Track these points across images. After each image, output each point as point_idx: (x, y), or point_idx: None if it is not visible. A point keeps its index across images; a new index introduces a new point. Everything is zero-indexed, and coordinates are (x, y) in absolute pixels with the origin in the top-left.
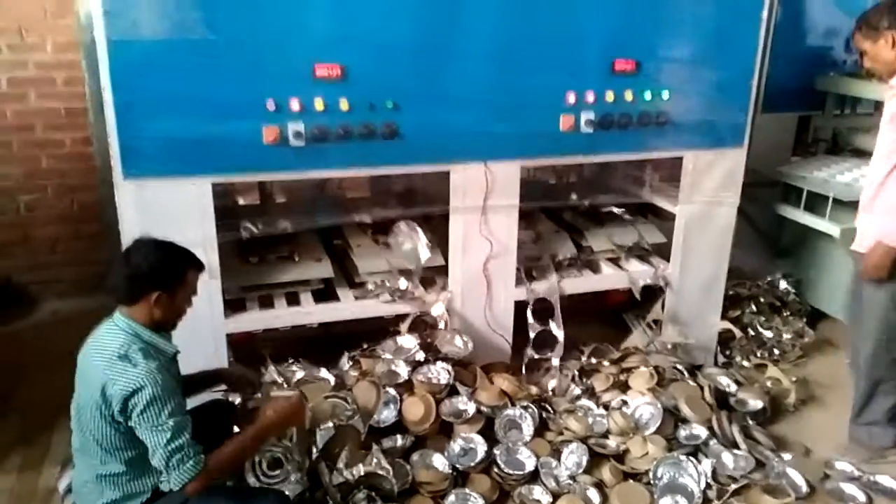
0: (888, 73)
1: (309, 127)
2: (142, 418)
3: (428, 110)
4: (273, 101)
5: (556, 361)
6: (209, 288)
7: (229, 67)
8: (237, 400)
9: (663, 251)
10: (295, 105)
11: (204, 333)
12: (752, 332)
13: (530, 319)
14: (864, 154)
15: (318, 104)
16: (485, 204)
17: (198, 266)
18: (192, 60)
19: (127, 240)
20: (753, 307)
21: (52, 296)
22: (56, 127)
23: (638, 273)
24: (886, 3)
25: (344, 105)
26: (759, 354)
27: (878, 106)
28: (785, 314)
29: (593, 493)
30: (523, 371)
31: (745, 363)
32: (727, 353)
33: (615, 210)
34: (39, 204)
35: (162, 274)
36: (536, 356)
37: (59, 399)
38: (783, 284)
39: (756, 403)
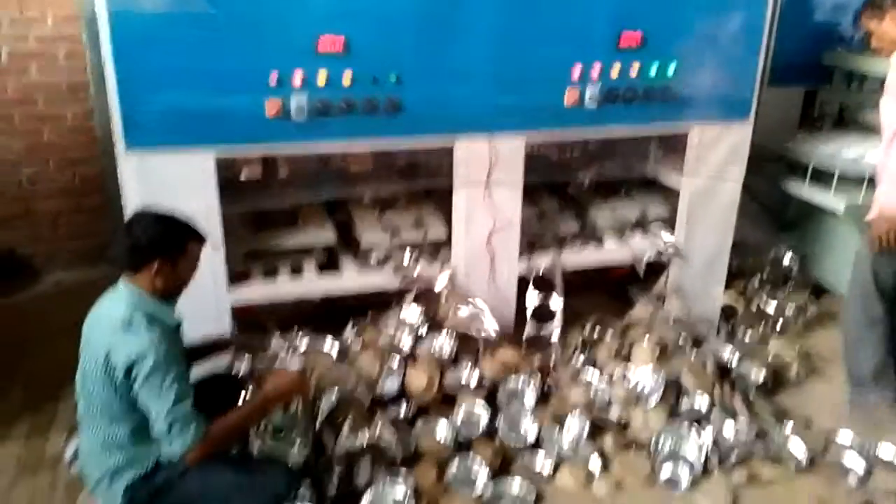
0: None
1: (311, 100)
2: (144, 386)
3: (431, 84)
4: (276, 75)
5: (556, 334)
6: (212, 259)
7: (232, 40)
8: (242, 370)
9: (668, 226)
10: (297, 79)
11: (208, 304)
12: (755, 306)
13: (531, 292)
14: (870, 129)
15: (321, 78)
16: (488, 178)
17: (199, 237)
18: (194, 33)
19: (130, 212)
20: (757, 281)
21: (54, 268)
22: (57, 101)
23: (641, 248)
24: None
25: (346, 79)
26: (761, 328)
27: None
28: (788, 288)
29: (595, 462)
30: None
31: (748, 336)
32: (730, 326)
33: (616, 184)
34: (41, 177)
35: (163, 244)
36: (537, 329)
37: (63, 368)
38: (787, 259)
39: (758, 375)
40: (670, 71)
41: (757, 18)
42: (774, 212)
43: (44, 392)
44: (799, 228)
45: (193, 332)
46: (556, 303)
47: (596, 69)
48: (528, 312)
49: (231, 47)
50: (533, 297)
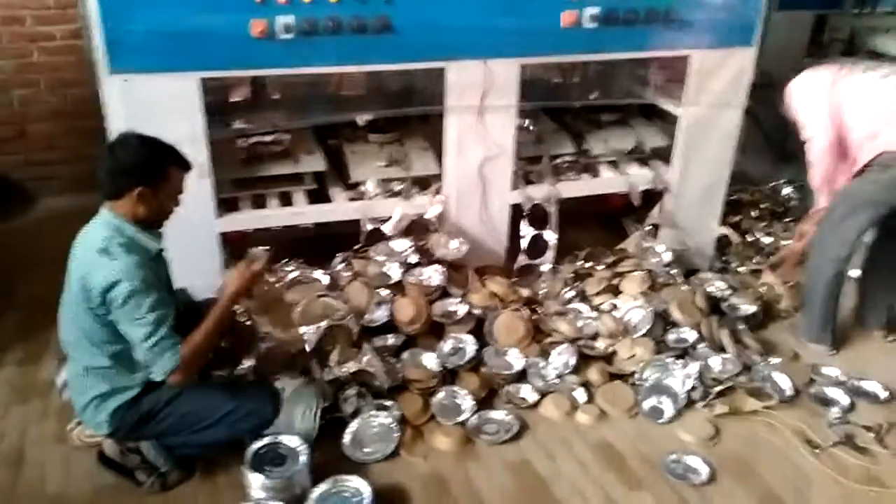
0: None
1: (298, 20)
2: (121, 312)
3: (422, 3)
4: None
5: (547, 266)
6: (200, 186)
7: None
8: None
9: (667, 155)
10: None
11: (196, 232)
12: (750, 238)
13: (524, 224)
14: (881, 56)
15: None
16: (482, 104)
17: (181, 164)
18: None
19: (114, 136)
20: (754, 213)
21: (49, 193)
22: (46, 19)
23: (637, 177)
24: None
25: None
26: (755, 260)
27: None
28: (786, 220)
29: (579, 393)
30: (515, 274)
31: (742, 269)
32: (724, 258)
33: (615, 112)
34: (33, 99)
35: (143, 170)
36: (529, 260)
37: (57, 294)
38: (786, 190)
39: (748, 308)
40: None
41: None
42: (777, 142)
43: (37, 318)
44: (799, 159)
45: (183, 258)
46: (550, 234)
47: None
48: (523, 243)
49: None
50: (527, 228)
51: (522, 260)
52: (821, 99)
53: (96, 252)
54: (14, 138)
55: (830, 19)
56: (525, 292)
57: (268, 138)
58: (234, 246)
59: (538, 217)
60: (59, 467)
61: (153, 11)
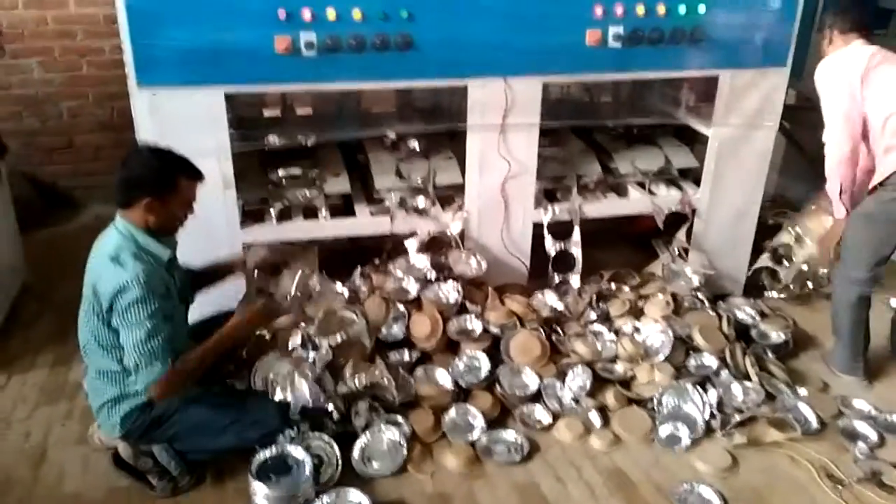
0: None
1: (321, 37)
2: (123, 317)
3: (444, 21)
4: (284, 10)
5: (575, 283)
6: (225, 197)
7: None
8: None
9: (698, 176)
10: (307, 14)
11: (220, 242)
12: (788, 263)
13: (548, 240)
14: None
15: (331, 13)
16: (504, 122)
17: (192, 174)
18: None
19: None
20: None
21: (95, 201)
22: (96, 34)
23: (664, 198)
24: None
25: (357, 14)
26: (792, 286)
27: None
28: None
29: (595, 416)
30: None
31: (775, 295)
32: (759, 283)
33: (645, 131)
34: (81, 111)
35: (153, 180)
36: (557, 275)
37: None
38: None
39: (778, 336)
40: (700, 11)
41: None
42: (818, 165)
43: (72, 322)
44: None
45: None
46: (575, 251)
47: (620, 7)
48: (550, 261)
49: None
50: (552, 245)
51: (551, 275)
52: (847, 94)
53: (108, 259)
54: (63, 148)
55: (876, 41)
56: (545, 312)
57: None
58: None
59: (564, 235)
60: (78, 467)
61: (180, 28)
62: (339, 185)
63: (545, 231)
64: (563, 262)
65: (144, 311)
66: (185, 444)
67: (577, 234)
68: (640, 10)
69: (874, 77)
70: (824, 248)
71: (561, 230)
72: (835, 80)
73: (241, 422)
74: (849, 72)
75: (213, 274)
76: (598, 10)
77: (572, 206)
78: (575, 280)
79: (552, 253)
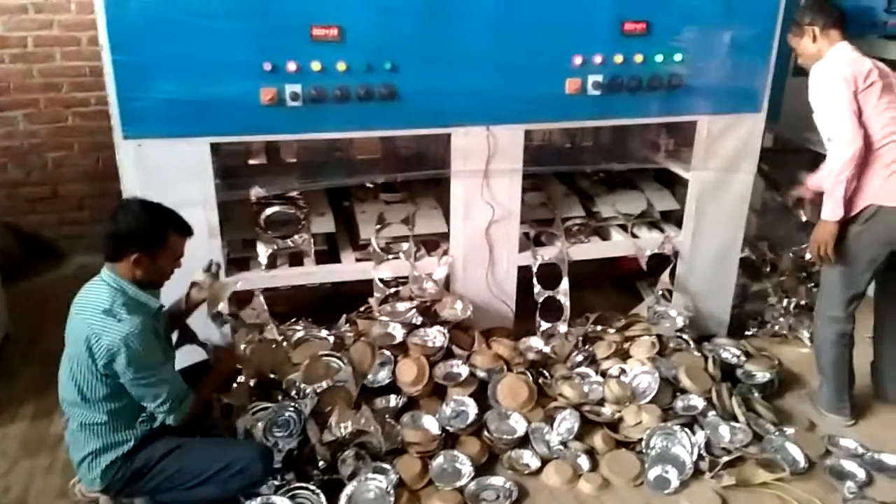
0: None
1: (306, 88)
2: (132, 375)
3: (428, 72)
4: (269, 63)
5: (563, 328)
6: (210, 246)
7: (226, 28)
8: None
9: (679, 218)
10: (292, 66)
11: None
12: (771, 303)
13: (537, 288)
14: None
15: (315, 65)
16: (487, 168)
17: (181, 230)
18: (188, 21)
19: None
20: (776, 278)
21: (79, 251)
22: (81, 86)
23: (647, 241)
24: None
25: (341, 66)
26: (776, 327)
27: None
28: (809, 285)
29: (583, 460)
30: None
31: (760, 335)
32: (743, 323)
33: (626, 175)
34: (66, 161)
35: (142, 236)
36: (543, 322)
37: None
38: (808, 255)
39: (763, 376)
40: (676, 59)
41: (770, 6)
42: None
43: (54, 373)
44: None
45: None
46: (564, 300)
47: (598, 57)
48: (538, 308)
49: (226, 35)
50: (539, 290)
51: (539, 322)
52: (852, 94)
53: (102, 313)
54: (47, 198)
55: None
56: (531, 355)
57: (279, 200)
58: (244, 303)
59: (551, 279)
60: None
61: (166, 81)
62: (324, 225)
63: (534, 278)
64: (550, 307)
65: (153, 365)
66: (167, 496)
67: (565, 283)
68: (619, 58)
69: (865, 98)
70: (819, 248)
71: (545, 273)
72: (838, 80)
73: (225, 471)
74: (852, 77)
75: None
76: (578, 60)
77: (560, 252)
78: (563, 327)
79: (540, 300)
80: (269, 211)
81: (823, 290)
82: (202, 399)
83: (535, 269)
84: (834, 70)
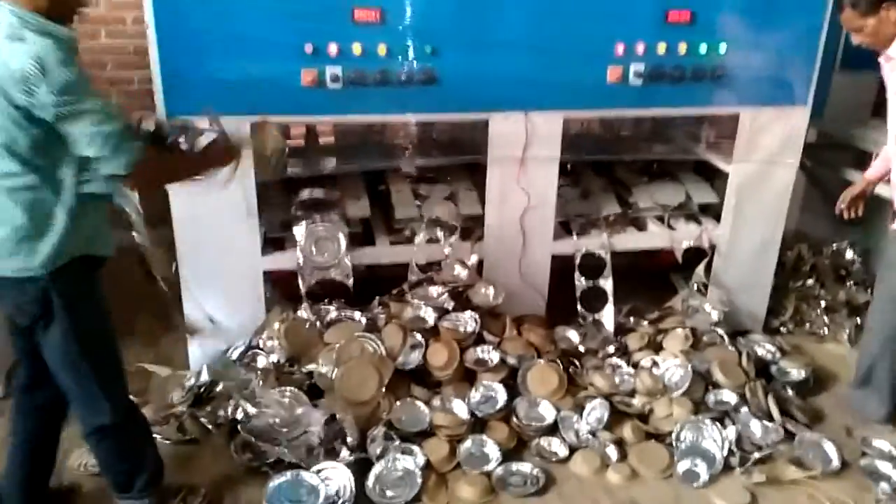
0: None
1: (346, 71)
2: (51, 100)
3: (467, 57)
4: (311, 44)
5: (607, 321)
6: (247, 225)
7: (269, 8)
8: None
9: (718, 212)
10: (333, 48)
11: (241, 269)
12: (810, 301)
13: (578, 275)
14: None
15: (356, 48)
16: (524, 155)
17: None
18: (233, 1)
19: None
20: (815, 275)
21: (119, 229)
22: (125, 64)
23: (684, 233)
24: None
25: (382, 49)
26: (814, 325)
27: None
28: (848, 284)
29: (612, 450)
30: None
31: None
32: (780, 320)
33: (665, 166)
34: None
35: None
36: (585, 313)
37: None
38: (849, 253)
39: (798, 374)
40: (721, 51)
41: None
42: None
43: None
44: (863, 222)
45: (226, 294)
46: (607, 285)
47: (641, 45)
48: (578, 294)
49: (268, 16)
50: (580, 279)
51: (582, 312)
52: None
53: (5, 39)
54: None
55: None
56: (563, 344)
57: (317, 182)
58: (280, 283)
59: (584, 269)
60: None
61: (208, 59)
62: (360, 209)
63: (576, 268)
64: (588, 298)
65: (79, 79)
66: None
67: (608, 272)
68: (662, 48)
69: None
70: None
71: (581, 264)
72: None
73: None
74: None
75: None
76: (620, 48)
77: (600, 241)
78: (607, 318)
79: (580, 290)
80: (305, 193)
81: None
82: (165, 168)
83: (577, 260)
84: None
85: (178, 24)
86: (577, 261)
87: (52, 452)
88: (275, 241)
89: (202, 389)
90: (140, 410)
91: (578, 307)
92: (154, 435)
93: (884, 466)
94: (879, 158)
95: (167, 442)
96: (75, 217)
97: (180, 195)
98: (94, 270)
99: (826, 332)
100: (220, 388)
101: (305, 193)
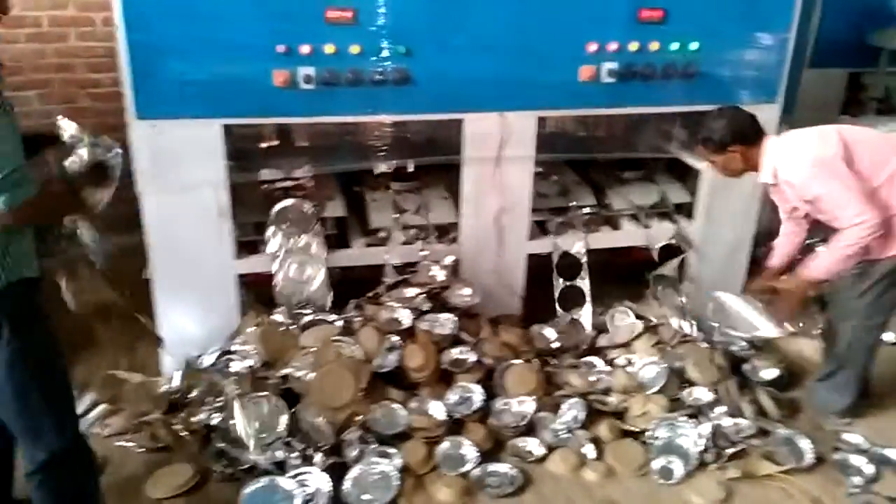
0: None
1: (319, 71)
2: None
3: (441, 57)
4: (283, 45)
5: (585, 320)
6: (220, 227)
7: (241, 9)
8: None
9: (691, 210)
10: (305, 49)
11: (213, 272)
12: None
13: (556, 274)
14: None
15: (329, 48)
16: (499, 155)
17: None
18: (204, 2)
19: (140, 178)
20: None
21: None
22: (95, 67)
23: (658, 232)
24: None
25: (355, 49)
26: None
27: None
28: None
29: (589, 449)
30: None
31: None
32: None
33: (639, 165)
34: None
35: None
36: (562, 311)
37: None
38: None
39: (771, 371)
40: (692, 48)
41: None
42: None
43: None
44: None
45: (200, 298)
46: (585, 285)
47: (613, 44)
48: (555, 294)
49: (240, 17)
50: (558, 279)
51: (560, 313)
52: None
53: None
54: None
55: (865, 77)
56: (539, 342)
57: (291, 183)
58: (256, 286)
59: (560, 269)
60: None
61: (180, 61)
62: (335, 209)
63: (554, 268)
64: (565, 297)
65: None
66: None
67: (586, 271)
68: (634, 46)
69: (858, 150)
70: (792, 305)
71: (556, 263)
72: (824, 158)
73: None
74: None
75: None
76: (593, 47)
77: (579, 239)
78: (585, 316)
79: (559, 288)
80: (280, 205)
81: (860, 299)
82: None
83: (555, 259)
84: (807, 155)
85: (147, 25)
86: (556, 261)
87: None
88: (248, 244)
89: (175, 396)
90: (89, 445)
91: (557, 307)
92: (99, 478)
93: (856, 460)
94: (777, 249)
95: (140, 450)
96: (4, 243)
97: (150, 198)
98: (32, 293)
99: (798, 327)
100: (193, 394)
101: (281, 204)
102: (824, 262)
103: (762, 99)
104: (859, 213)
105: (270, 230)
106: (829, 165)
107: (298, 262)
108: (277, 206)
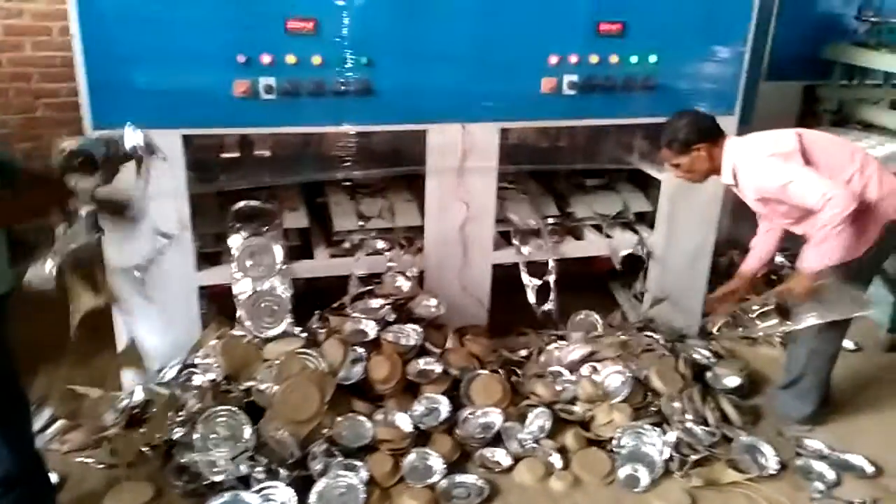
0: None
1: (280, 81)
2: None
3: (404, 68)
4: (243, 55)
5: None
6: (181, 239)
7: (200, 19)
8: None
9: (653, 220)
10: (266, 58)
11: (175, 284)
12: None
13: (525, 275)
14: (871, 126)
15: (290, 58)
16: (461, 165)
17: None
18: (161, 10)
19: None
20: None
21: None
22: (51, 77)
23: (620, 241)
24: (689, 120)
25: (316, 60)
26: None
27: (888, 77)
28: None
29: (555, 458)
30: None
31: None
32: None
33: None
34: (35, 153)
35: None
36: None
37: None
38: (779, 258)
39: (733, 379)
40: (651, 61)
41: (744, 8)
42: None
43: None
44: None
45: (161, 310)
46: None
47: (574, 57)
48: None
49: (199, 26)
50: (529, 279)
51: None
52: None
53: None
54: None
55: (820, 90)
56: (505, 353)
57: (253, 194)
58: (218, 299)
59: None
60: None
61: (137, 71)
62: (298, 220)
63: (523, 274)
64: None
65: None
66: None
67: (552, 280)
68: (594, 58)
69: (815, 151)
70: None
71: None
72: (782, 152)
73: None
74: (792, 144)
75: None
76: (554, 59)
77: (544, 248)
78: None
79: (531, 285)
80: (240, 204)
81: (827, 306)
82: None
83: (523, 266)
84: (762, 152)
85: (104, 35)
86: (524, 267)
87: None
88: (209, 255)
89: (136, 411)
90: (45, 464)
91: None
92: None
93: (818, 466)
94: (752, 251)
95: (100, 466)
96: None
97: None
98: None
99: (759, 335)
100: (154, 409)
101: (241, 204)
102: (816, 252)
103: (720, 110)
104: (827, 189)
105: (231, 239)
106: (787, 157)
107: (260, 273)
108: (236, 206)
